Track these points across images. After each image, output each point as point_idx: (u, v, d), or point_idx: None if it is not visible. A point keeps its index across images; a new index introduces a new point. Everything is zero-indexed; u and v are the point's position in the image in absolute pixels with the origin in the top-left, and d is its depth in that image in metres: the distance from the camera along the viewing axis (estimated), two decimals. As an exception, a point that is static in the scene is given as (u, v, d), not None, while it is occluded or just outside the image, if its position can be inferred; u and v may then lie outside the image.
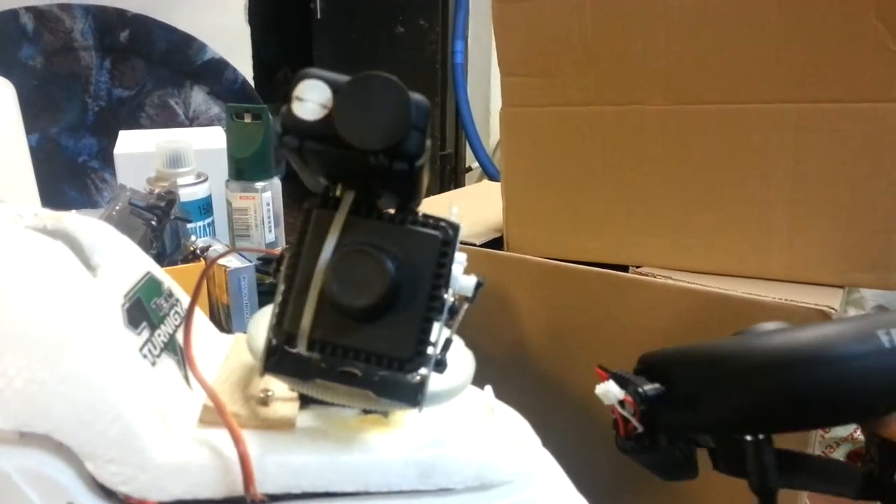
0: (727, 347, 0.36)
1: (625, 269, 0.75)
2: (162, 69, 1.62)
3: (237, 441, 0.32)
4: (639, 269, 0.75)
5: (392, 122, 0.30)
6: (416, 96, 0.30)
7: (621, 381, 0.39)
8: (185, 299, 0.43)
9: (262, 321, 0.38)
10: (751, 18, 0.65)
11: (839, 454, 1.21)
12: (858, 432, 1.21)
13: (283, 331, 0.32)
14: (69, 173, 1.54)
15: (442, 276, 0.32)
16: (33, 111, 1.43)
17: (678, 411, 0.38)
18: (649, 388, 0.38)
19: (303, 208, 0.33)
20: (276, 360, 0.33)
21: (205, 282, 0.69)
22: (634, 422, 0.38)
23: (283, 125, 0.31)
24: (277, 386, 0.37)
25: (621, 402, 0.39)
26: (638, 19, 0.69)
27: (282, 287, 0.33)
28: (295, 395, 0.37)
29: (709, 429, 0.38)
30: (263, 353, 0.33)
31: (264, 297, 0.73)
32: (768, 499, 0.36)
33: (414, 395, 0.33)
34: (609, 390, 0.39)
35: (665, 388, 0.38)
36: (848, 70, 0.62)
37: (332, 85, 0.30)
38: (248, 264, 0.71)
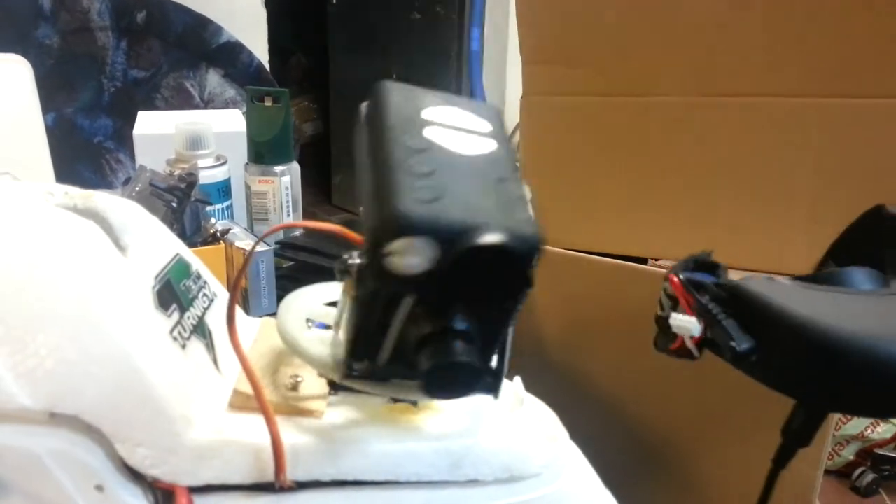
0: (846, 338, 0.32)
1: (644, 261, 0.74)
2: (178, 51, 1.61)
3: (271, 426, 0.31)
4: (658, 262, 0.74)
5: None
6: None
7: (703, 312, 0.35)
8: (213, 281, 0.42)
9: (293, 305, 0.38)
10: (777, 11, 0.63)
11: (849, 451, 1.21)
12: (869, 430, 1.20)
13: (359, 363, 0.32)
14: (84, 153, 1.54)
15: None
16: (49, 90, 1.42)
17: (757, 366, 0.35)
18: (746, 345, 0.34)
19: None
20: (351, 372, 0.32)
21: (224, 264, 0.69)
22: (694, 351, 0.35)
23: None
24: (307, 372, 0.37)
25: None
26: (663, 10, 0.68)
27: (349, 305, 0.31)
28: (324, 381, 0.37)
29: (779, 388, 0.35)
30: (342, 365, 0.32)
31: (282, 280, 0.72)
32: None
33: (493, 384, 0.32)
34: (685, 326, 0.36)
35: (756, 344, 0.34)
36: (875, 65, 0.61)
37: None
38: (268, 248, 0.71)
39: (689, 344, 0.36)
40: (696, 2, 0.66)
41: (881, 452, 1.19)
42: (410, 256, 0.26)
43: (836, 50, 0.62)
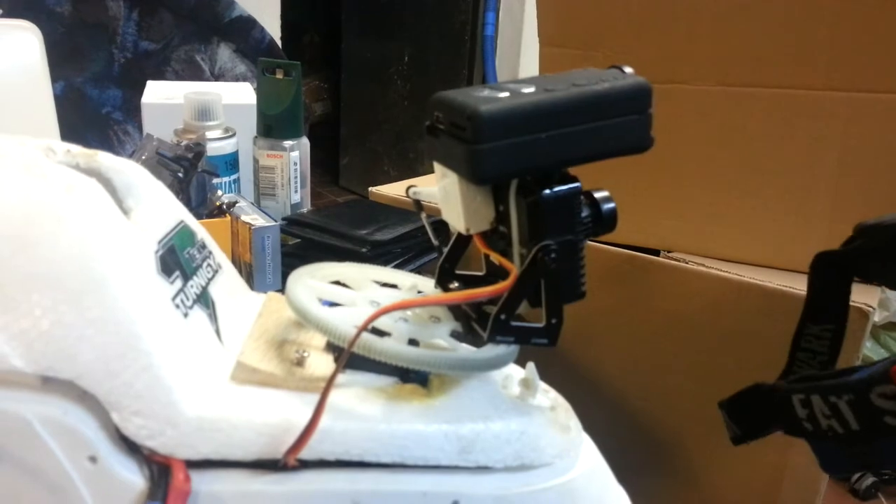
0: None
1: (655, 252, 0.73)
2: (189, 24, 1.59)
3: (321, 405, 0.30)
4: (670, 254, 0.72)
5: None
6: None
7: None
8: (217, 252, 0.41)
9: (303, 276, 0.36)
10: (804, 2, 0.61)
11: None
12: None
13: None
14: (92, 124, 1.52)
15: None
16: (59, 59, 1.40)
17: None
18: None
19: None
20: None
21: (230, 237, 0.67)
22: None
23: None
24: (313, 346, 0.35)
25: None
26: (687, -5, 0.66)
27: None
28: (331, 357, 0.35)
29: None
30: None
31: (288, 258, 0.71)
32: None
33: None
34: None
35: None
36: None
37: None
38: (274, 223, 0.69)
39: None
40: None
41: (883, 457, 1.18)
42: None
43: (864, 44, 0.60)
